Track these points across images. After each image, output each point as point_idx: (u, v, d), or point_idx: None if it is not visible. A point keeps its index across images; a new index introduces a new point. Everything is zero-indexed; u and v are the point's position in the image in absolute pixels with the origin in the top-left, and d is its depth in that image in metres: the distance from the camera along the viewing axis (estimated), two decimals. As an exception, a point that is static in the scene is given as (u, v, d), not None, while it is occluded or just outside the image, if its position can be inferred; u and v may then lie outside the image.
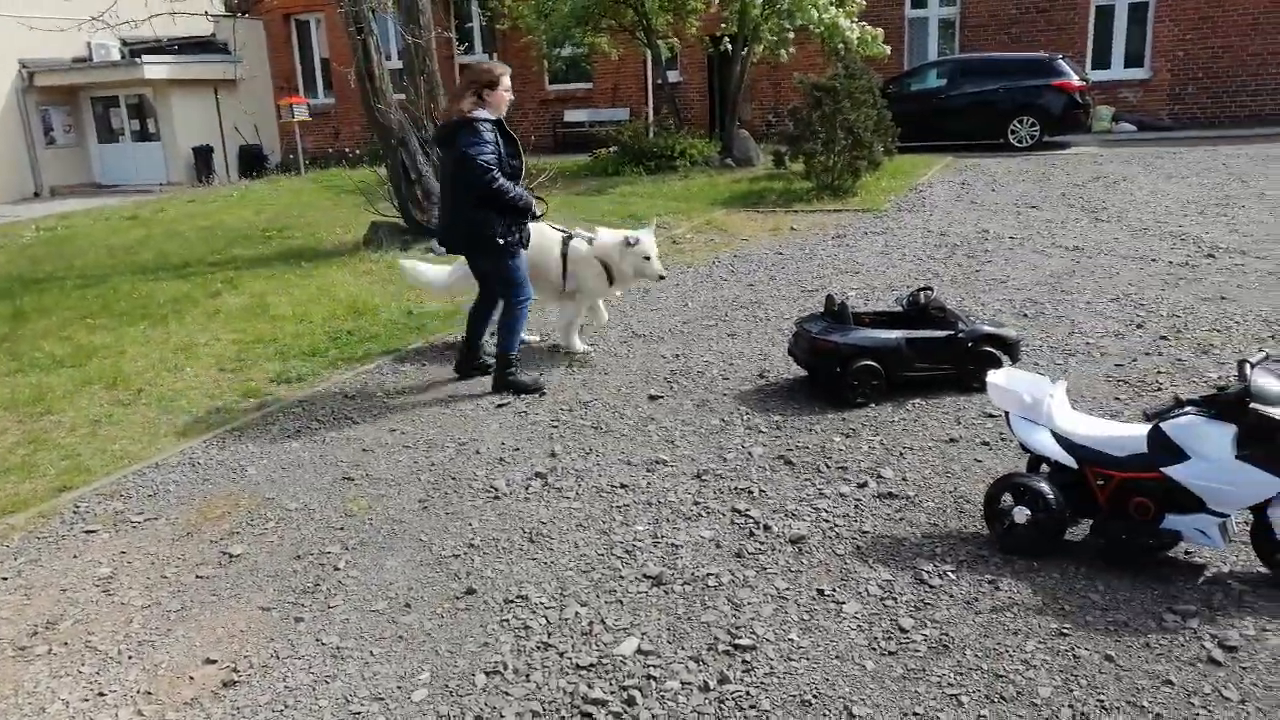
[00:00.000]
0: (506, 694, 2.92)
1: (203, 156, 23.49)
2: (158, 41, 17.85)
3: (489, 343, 6.03)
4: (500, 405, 5.54)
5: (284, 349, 6.87)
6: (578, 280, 6.26)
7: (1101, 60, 20.58)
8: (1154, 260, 8.24)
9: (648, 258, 6.10)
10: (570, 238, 6.19)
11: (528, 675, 3.01)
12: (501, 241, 5.45)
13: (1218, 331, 6.09)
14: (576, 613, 3.35)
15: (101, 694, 3.05)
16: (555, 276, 6.24)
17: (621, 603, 3.40)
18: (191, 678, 3.11)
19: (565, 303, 6.43)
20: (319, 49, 25.71)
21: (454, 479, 4.57)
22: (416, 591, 3.57)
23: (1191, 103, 20.16)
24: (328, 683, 3.03)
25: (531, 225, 5.79)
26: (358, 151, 22.09)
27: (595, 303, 6.58)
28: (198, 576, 3.76)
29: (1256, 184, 12.03)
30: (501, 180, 5.30)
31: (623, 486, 4.36)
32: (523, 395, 5.63)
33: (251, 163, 23.72)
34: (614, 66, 21.68)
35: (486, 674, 3.03)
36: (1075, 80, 17.60)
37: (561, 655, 3.10)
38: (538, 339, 6.83)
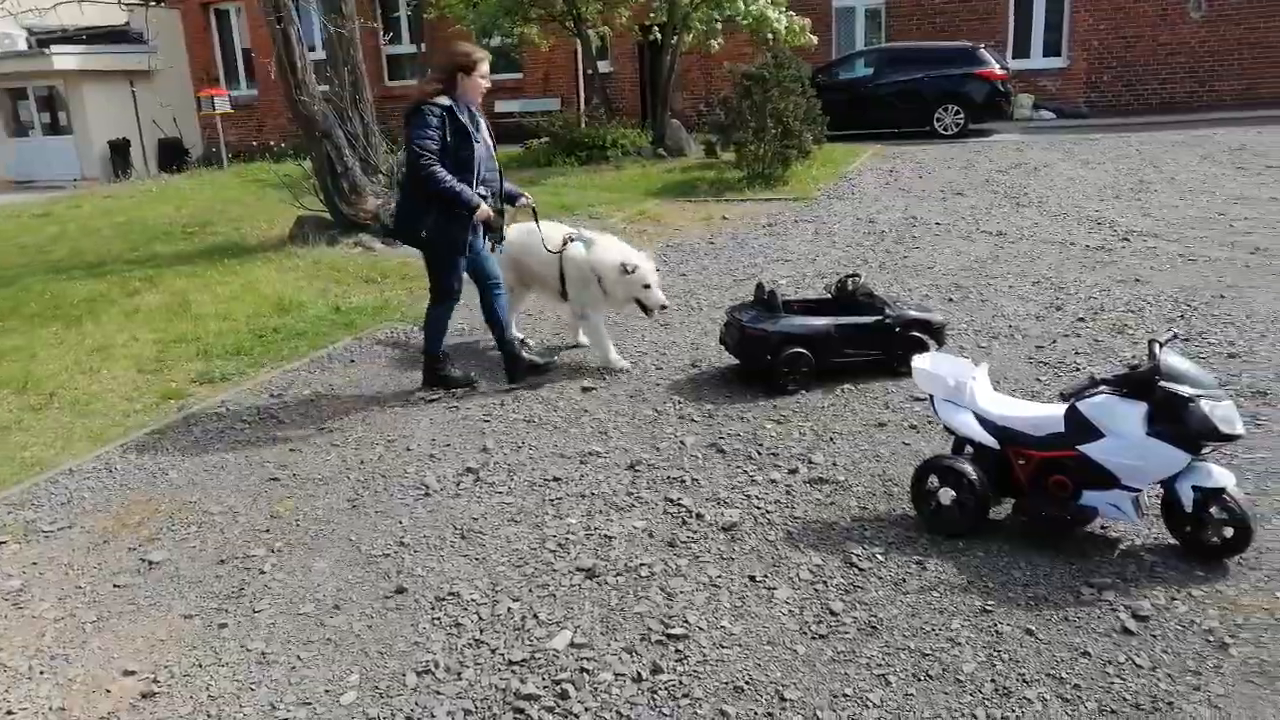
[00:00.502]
0: (438, 693, 2.89)
1: (119, 150, 22.67)
2: (64, 31, 17.14)
3: (516, 338, 5.81)
4: (431, 401, 5.47)
5: (207, 348, 6.68)
6: (575, 289, 5.73)
7: (1022, 49, 21.07)
8: (1072, 244, 8.47)
9: (647, 285, 5.53)
10: (571, 240, 5.71)
11: (459, 673, 2.97)
12: (425, 234, 5.17)
13: (1132, 312, 6.29)
14: (509, 608, 3.32)
15: (10, 713, 2.93)
16: (553, 282, 5.81)
17: (554, 596, 3.38)
18: (108, 691, 3.01)
19: (582, 318, 5.86)
20: (240, 39, 25.01)
21: (384, 477, 4.50)
22: (345, 592, 3.51)
23: (1107, 91, 20.77)
24: (253, 689, 2.96)
25: (527, 225, 5.56)
26: (283, 145, 21.59)
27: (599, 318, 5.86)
28: (115, 586, 3.64)
29: (1167, 169, 12.44)
30: (434, 168, 4.94)
31: (555, 479, 4.34)
32: (454, 390, 5.54)
33: (172, 157, 22.96)
34: (544, 56, 21.51)
35: (417, 673, 2.99)
36: (997, 69, 17.99)
37: (494, 651, 3.08)
38: (534, 345, 6.27)
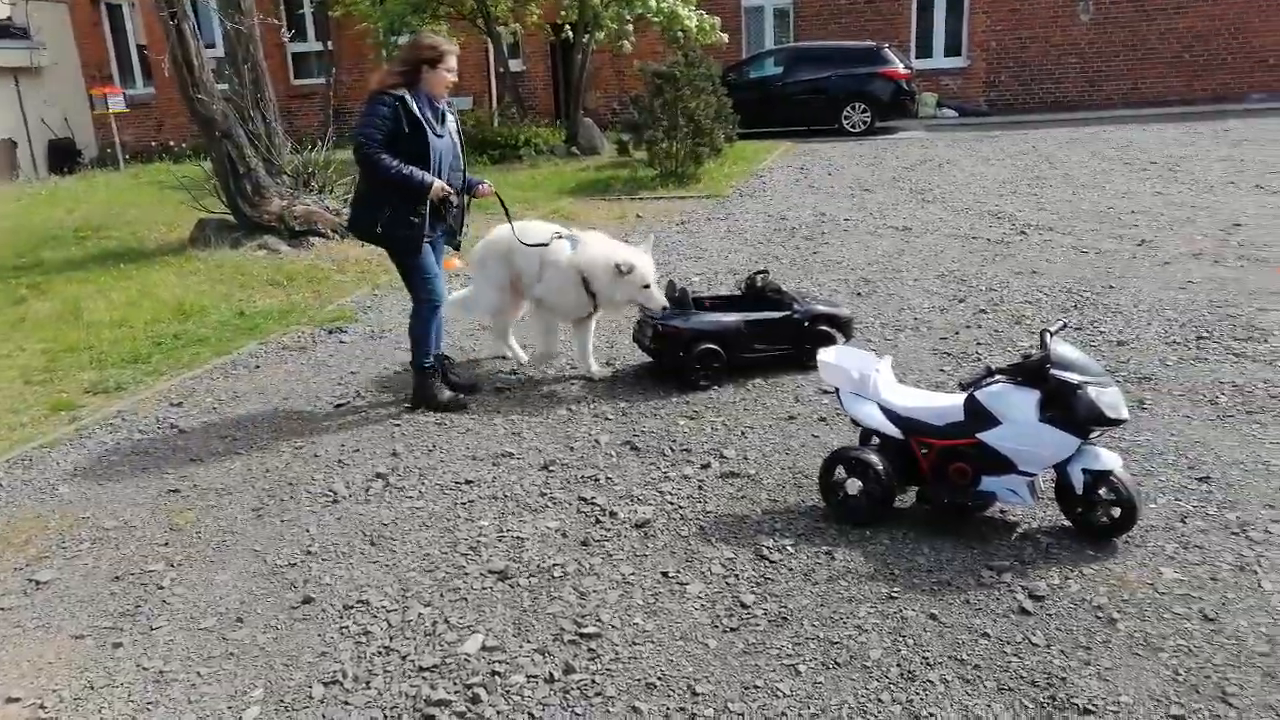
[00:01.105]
0: (346, 703, 2.83)
1: (5, 151, 21.58)
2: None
3: (440, 362, 5.41)
4: (339, 405, 5.35)
5: (101, 357, 6.41)
6: (542, 287, 5.33)
7: (924, 50, 21.68)
8: (974, 238, 8.75)
9: (646, 286, 5.20)
10: (559, 237, 5.34)
11: (368, 682, 2.91)
12: (380, 230, 4.85)
13: (1029, 303, 6.52)
14: (419, 614, 3.27)
15: (-115, 746, 2.77)
16: (533, 281, 5.40)
17: (466, 600, 3.34)
18: (-8, 719, 2.86)
19: (536, 305, 5.50)
20: (134, 35, 24.06)
21: (290, 484, 4.38)
22: (249, 605, 3.40)
23: (1005, 90, 21.52)
24: (149, 710, 2.85)
25: (518, 224, 5.31)
26: (183, 145, 20.86)
27: (552, 328, 5.54)
28: None
29: (1061, 165, 12.95)
30: (378, 154, 4.63)
31: (468, 482, 4.29)
32: (439, 412, 5.12)
33: (63, 158, 21.96)
34: (454, 54, 21.24)
35: (325, 684, 2.92)
36: (901, 68, 18.49)
37: (404, 658, 3.02)
38: (525, 358, 5.85)
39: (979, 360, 5.43)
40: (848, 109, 18.51)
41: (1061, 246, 8.20)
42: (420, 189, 4.76)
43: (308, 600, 3.40)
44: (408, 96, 4.74)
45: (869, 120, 18.45)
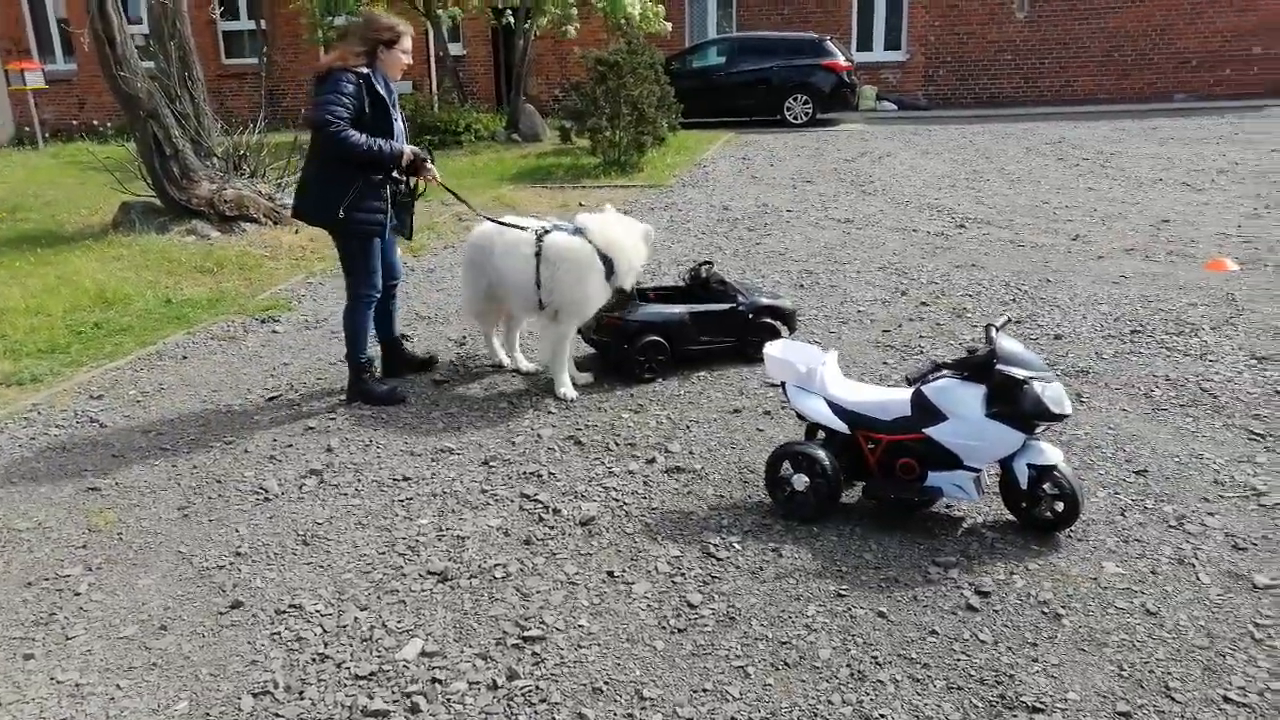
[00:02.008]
0: (277, 715, 2.70)
1: (-87, 129, 20.55)
2: None
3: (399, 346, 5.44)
4: (271, 398, 5.16)
5: (15, 347, 6.09)
6: (559, 290, 4.86)
7: (864, 43, 21.87)
8: (915, 231, 8.82)
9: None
10: (546, 232, 4.91)
11: (301, 692, 2.79)
12: (343, 214, 4.65)
13: (970, 296, 6.58)
14: (355, 618, 3.14)
15: None
16: (528, 289, 4.91)
17: (404, 603, 3.23)
18: (-109, 738, 2.67)
19: (550, 326, 5.04)
20: (53, 7, 23.05)
21: (219, 482, 4.20)
22: (174, 611, 3.24)
23: (943, 84, 21.83)
24: (64, 726, 2.68)
25: (486, 226, 5.06)
26: (107, 125, 20.10)
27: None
28: (-99, 617, 3.24)
29: (997, 160, 13.16)
30: (346, 130, 4.46)
31: (405, 479, 4.16)
32: (379, 406, 4.95)
33: (-24, 136, 20.99)
34: (392, 37, 20.78)
35: (254, 695, 2.78)
36: (842, 61, 18.61)
37: (339, 666, 2.90)
38: (533, 368, 5.43)
39: (922, 353, 5.46)
40: (789, 100, 18.57)
41: (999, 240, 8.31)
42: (394, 160, 4.66)
43: (237, 605, 3.25)
44: (372, 74, 4.63)
45: (810, 112, 18.55)
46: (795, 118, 18.60)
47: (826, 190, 11.26)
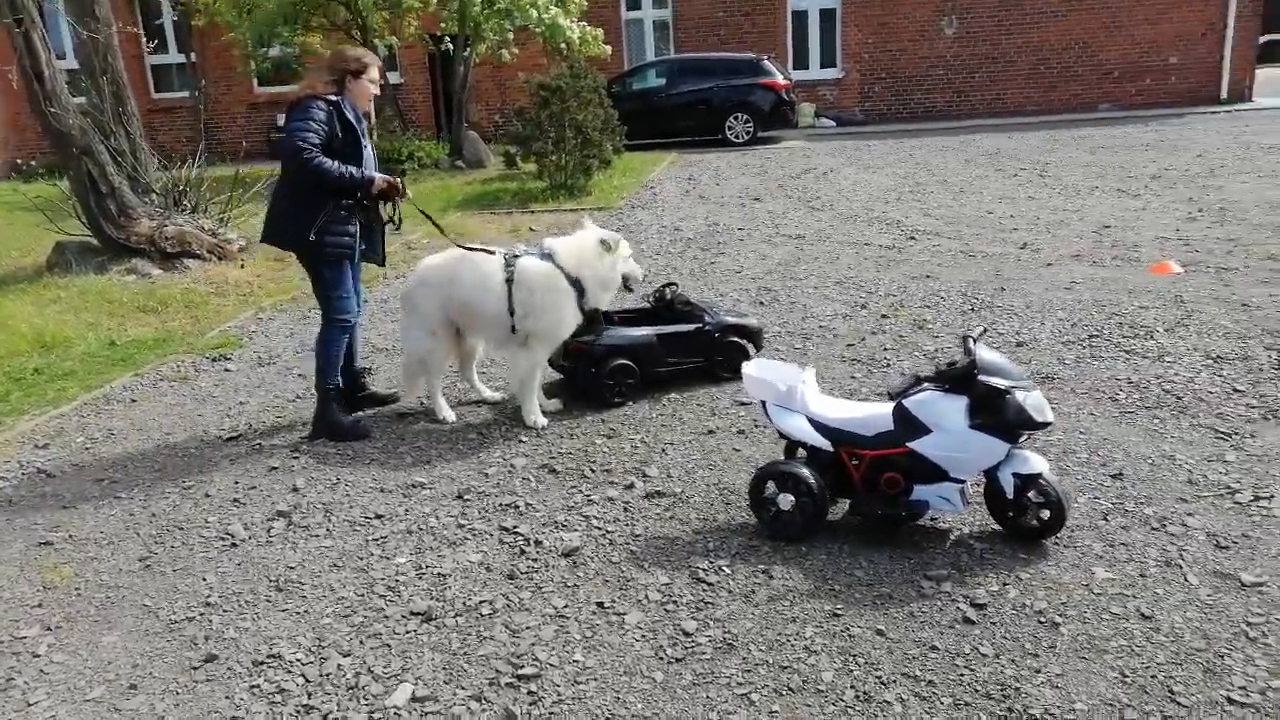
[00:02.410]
0: (264, 775, 2.56)
1: None
2: None
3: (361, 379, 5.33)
4: (230, 439, 4.98)
5: (-50, 397, 5.81)
6: (533, 316, 4.80)
7: (801, 61, 22.22)
8: (867, 244, 8.92)
9: (629, 256, 5.09)
10: (516, 257, 4.85)
11: (288, 748, 2.66)
12: (313, 237, 4.64)
13: (928, 307, 6.65)
14: (339, 665, 3.02)
15: None
16: (501, 317, 4.82)
17: (389, 646, 3.11)
18: None
19: (520, 353, 4.92)
20: (-28, 45, 22.32)
21: (180, 529, 4.03)
22: (144, 668, 3.08)
23: (879, 100, 22.26)
24: (34, 801, 2.52)
25: (451, 253, 4.95)
26: (33, 163, 19.50)
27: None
28: None
29: (938, 172, 13.42)
30: (318, 157, 4.48)
31: (378, 516, 4.03)
32: (341, 441, 4.84)
33: (-107, 178, 20.18)
34: (328, 66, 20.52)
35: (238, 755, 2.64)
36: (781, 79, 18.87)
37: (326, 717, 2.77)
38: (497, 397, 5.36)
39: (888, 366, 5.49)
40: (730, 119, 18.76)
41: (950, 251, 8.43)
42: (365, 186, 4.68)
43: (211, 658, 3.09)
44: (342, 102, 4.69)
45: (751, 130, 18.75)
46: (737, 136, 18.79)
47: (775, 207, 11.35)
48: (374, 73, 4.82)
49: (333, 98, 4.65)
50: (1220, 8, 20.78)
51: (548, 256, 4.85)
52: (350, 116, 4.70)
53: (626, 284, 5.16)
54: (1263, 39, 22.43)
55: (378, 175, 4.75)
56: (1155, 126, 17.53)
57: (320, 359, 4.90)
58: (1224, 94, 21.08)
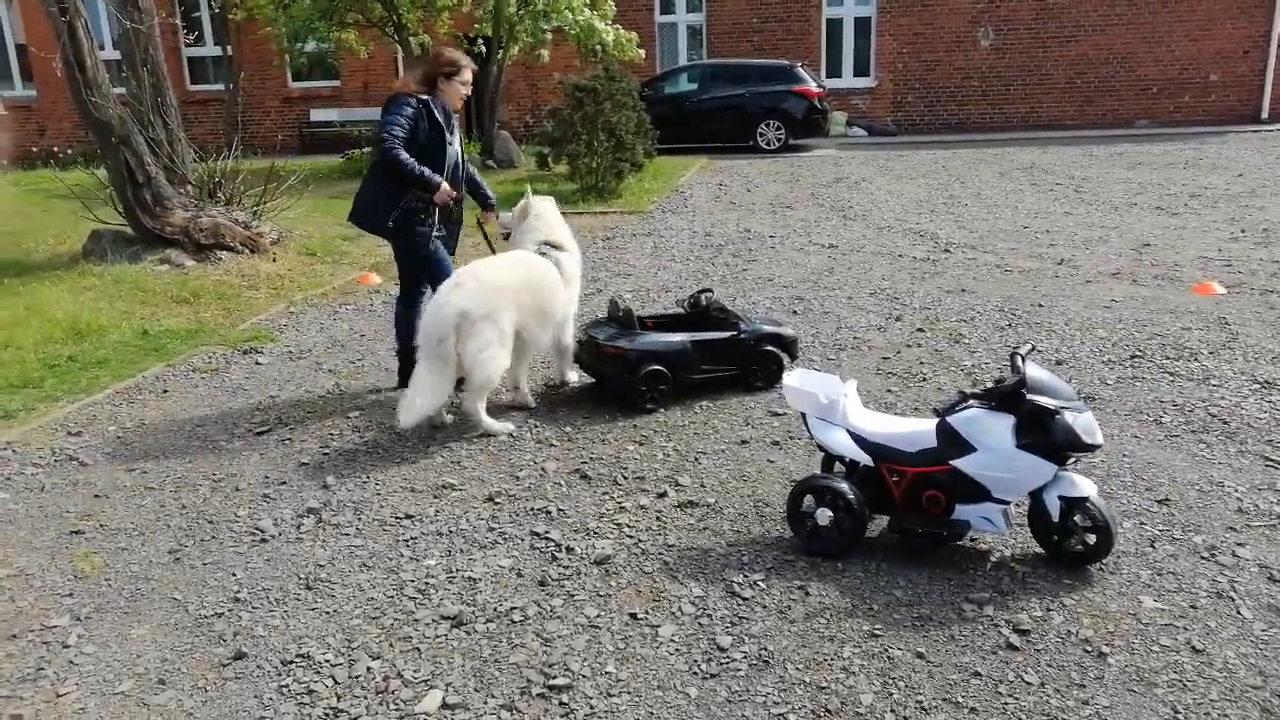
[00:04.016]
0: (293, 778, 2.53)
1: None
2: None
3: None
4: (260, 433, 4.97)
5: (-15, 381, 5.84)
6: (571, 303, 5.27)
7: (834, 69, 22.09)
8: (900, 256, 8.82)
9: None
10: (542, 254, 5.11)
11: (317, 751, 2.62)
12: (391, 224, 5.07)
13: (964, 321, 6.56)
14: (368, 668, 2.98)
15: None
16: (560, 308, 5.14)
17: (419, 650, 3.07)
18: None
19: (560, 335, 5.31)
20: (11, 33, 22.65)
21: (211, 522, 4.02)
22: (172, 663, 3.05)
23: (911, 110, 22.09)
24: (62, 795, 2.49)
25: (520, 255, 5.06)
26: (70, 151, 19.71)
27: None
28: (-125, 677, 3.03)
29: (972, 185, 13.28)
30: (398, 150, 4.85)
31: (408, 517, 4.00)
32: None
33: (-67, 163, 20.46)
34: (363, 64, 20.63)
35: (267, 756, 2.61)
36: (814, 87, 18.75)
37: (355, 721, 2.74)
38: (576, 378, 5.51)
39: (924, 381, 5.40)
40: (762, 126, 18.66)
41: (985, 265, 8.32)
42: (432, 188, 4.99)
43: (240, 656, 3.07)
44: (431, 101, 5.04)
45: (783, 137, 18.65)
46: (768, 143, 18.69)
47: (807, 216, 11.26)
48: (466, 75, 5.14)
49: (424, 96, 5.01)
50: (1264, 26, 20.48)
51: (544, 250, 5.17)
52: (439, 115, 5.04)
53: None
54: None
55: (444, 187, 5.01)
56: (1194, 144, 17.28)
57: (397, 326, 5.39)
58: (1265, 113, 20.77)
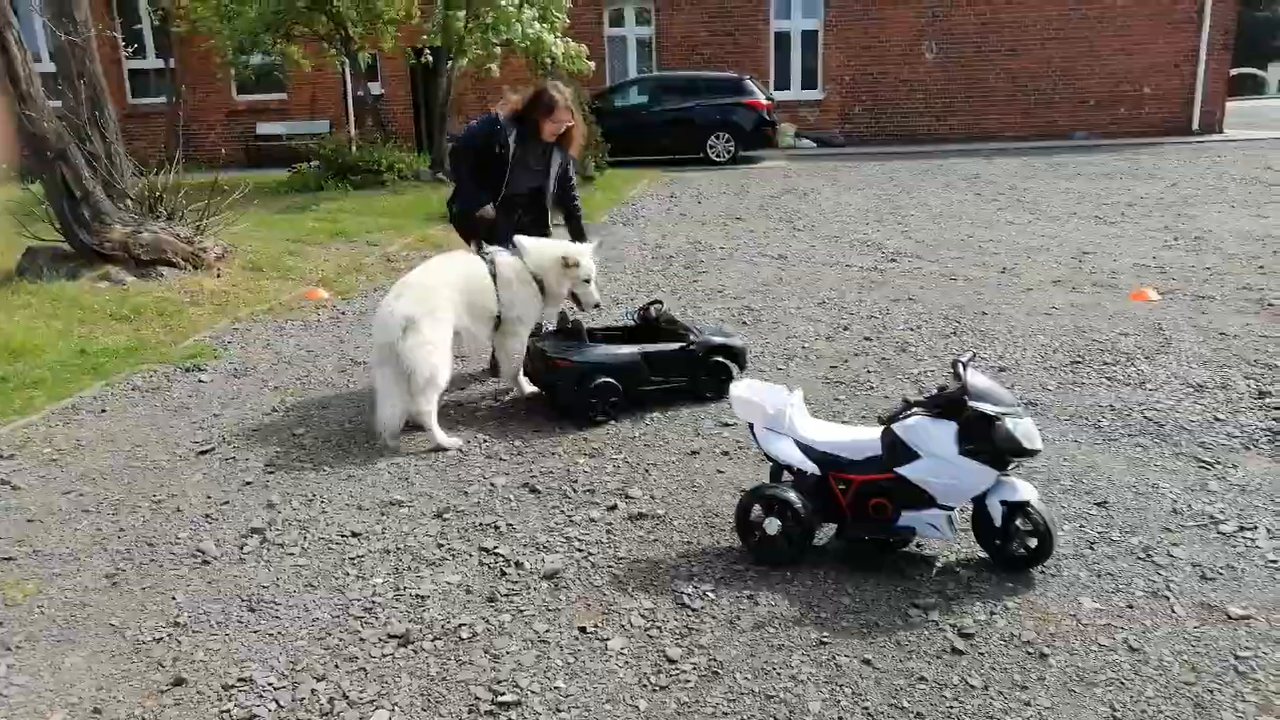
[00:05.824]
0: (234, 805, 2.47)
1: None
2: None
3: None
4: (202, 453, 4.87)
5: (-88, 404, 5.65)
6: (512, 307, 5.23)
7: (783, 82, 22.37)
8: (848, 265, 8.93)
9: (587, 281, 5.33)
10: (492, 259, 5.22)
11: (259, 777, 2.57)
12: (451, 217, 5.92)
13: (911, 330, 6.66)
14: (313, 690, 2.93)
15: None
16: (492, 306, 5.19)
17: (365, 670, 3.02)
18: None
19: (503, 339, 5.34)
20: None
21: (150, 545, 3.92)
22: (108, 691, 2.97)
23: (859, 122, 22.45)
24: (-9, 832, 2.41)
25: (455, 256, 5.34)
26: (2, 166, 19.18)
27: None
28: None
29: (918, 195, 13.51)
30: (458, 153, 5.66)
31: (355, 535, 3.94)
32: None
33: None
34: (310, 77, 20.44)
35: (206, 784, 2.55)
36: (763, 99, 18.98)
37: (299, 745, 2.69)
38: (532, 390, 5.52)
39: (871, 389, 5.47)
40: (712, 138, 18.84)
41: (930, 274, 8.46)
42: (470, 202, 5.57)
43: (179, 681, 2.99)
44: (506, 126, 5.44)
45: (733, 150, 18.83)
46: (718, 155, 18.86)
47: (756, 227, 11.36)
48: (560, 115, 5.46)
49: (501, 116, 5.46)
50: (1193, 41, 21.16)
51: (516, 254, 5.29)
52: (511, 140, 5.43)
53: (579, 303, 5.41)
54: (1232, 72, 22.85)
55: (485, 210, 5.51)
56: (1130, 155, 17.78)
57: None
58: (1196, 125, 21.44)
